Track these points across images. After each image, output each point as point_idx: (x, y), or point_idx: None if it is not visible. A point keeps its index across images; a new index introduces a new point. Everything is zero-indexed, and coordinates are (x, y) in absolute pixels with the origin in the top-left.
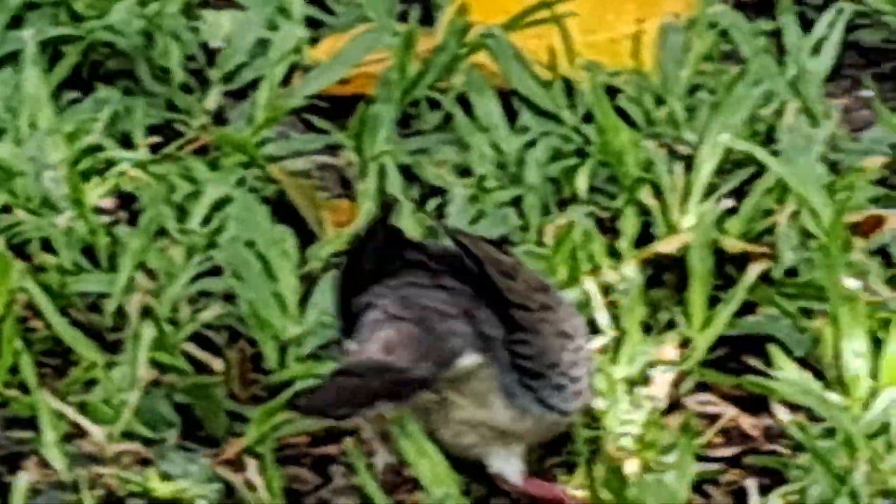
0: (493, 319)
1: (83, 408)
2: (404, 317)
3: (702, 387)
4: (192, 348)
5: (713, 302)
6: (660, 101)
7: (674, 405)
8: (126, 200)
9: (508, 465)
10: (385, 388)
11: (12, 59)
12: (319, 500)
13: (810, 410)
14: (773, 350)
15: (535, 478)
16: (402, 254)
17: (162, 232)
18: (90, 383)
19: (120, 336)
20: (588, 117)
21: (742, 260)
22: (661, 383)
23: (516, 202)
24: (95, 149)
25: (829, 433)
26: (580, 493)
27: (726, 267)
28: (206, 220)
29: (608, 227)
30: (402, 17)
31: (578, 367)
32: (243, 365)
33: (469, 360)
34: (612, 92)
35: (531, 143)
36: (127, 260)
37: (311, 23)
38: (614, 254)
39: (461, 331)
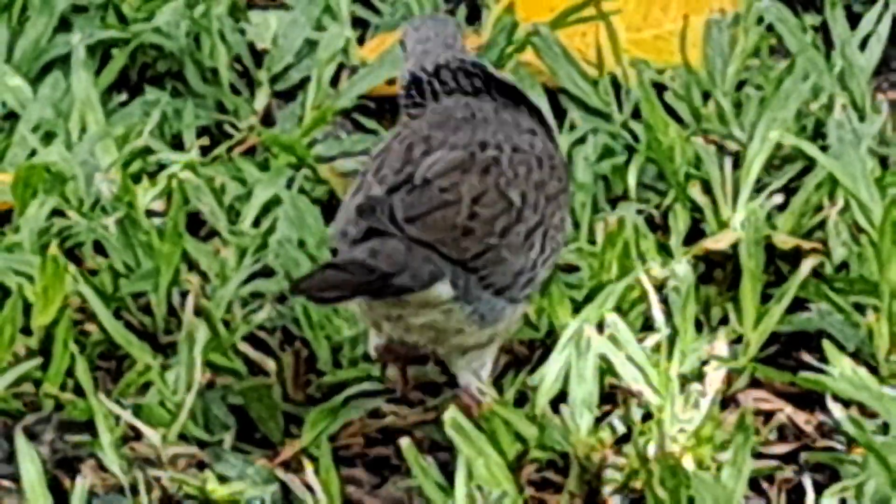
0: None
1: (138, 411)
2: None
3: (755, 383)
4: (246, 349)
5: (765, 298)
6: (707, 97)
7: (728, 402)
8: None
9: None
10: (366, 286)
11: (61, 62)
12: (376, 500)
13: (865, 406)
14: (827, 346)
15: None
16: None
17: (213, 234)
18: (145, 386)
19: (173, 338)
20: (636, 114)
21: (793, 256)
22: (715, 380)
23: None
24: (145, 151)
25: (885, 428)
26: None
27: (777, 263)
28: (257, 222)
29: (658, 225)
30: (449, 15)
31: None
32: (297, 366)
33: (444, 289)
34: (659, 89)
35: (580, 141)
36: (174, 259)
37: (358, 22)
38: (665, 250)
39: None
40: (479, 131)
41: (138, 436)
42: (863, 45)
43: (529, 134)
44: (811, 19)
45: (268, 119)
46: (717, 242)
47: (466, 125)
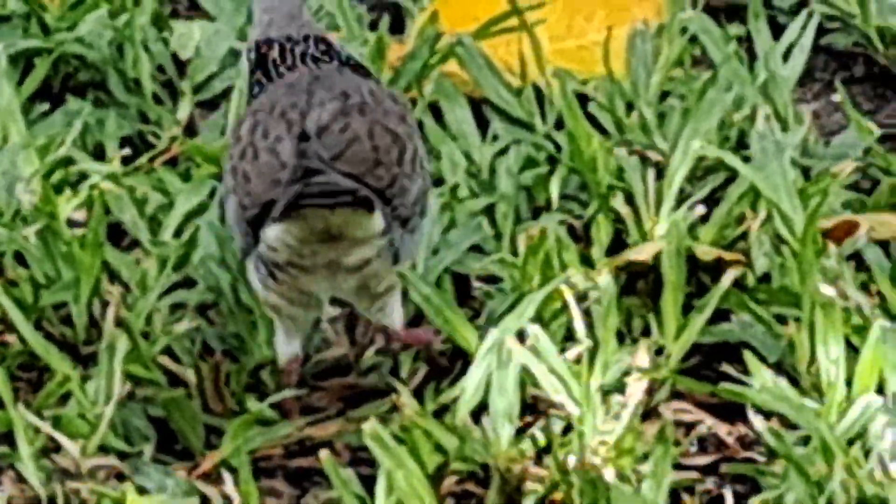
0: None
1: (58, 422)
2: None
3: (677, 395)
4: (165, 361)
5: (687, 309)
6: (630, 107)
7: (649, 413)
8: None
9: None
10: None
11: None
12: None
13: (786, 417)
14: (748, 357)
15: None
16: None
17: (135, 244)
18: (65, 397)
19: (93, 349)
20: (559, 125)
21: (715, 267)
22: (636, 391)
23: (489, 211)
24: (67, 161)
25: (805, 440)
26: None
27: (699, 274)
28: (179, 232)
29: (580, 235)
30: (373, 26)
31: None
32: (217, 378)
33: (379, 218)
34: (582, 99)
35: (503, 151)
36: (94, 269)
37: None
38: (587, 262)
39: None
40: (335, 86)
41: (58, 447)
42: (786, 55)
43: (373, 82)
44: (735, 30)
45: (191, 129)
46: (640, 254)
47: (318, 85)
